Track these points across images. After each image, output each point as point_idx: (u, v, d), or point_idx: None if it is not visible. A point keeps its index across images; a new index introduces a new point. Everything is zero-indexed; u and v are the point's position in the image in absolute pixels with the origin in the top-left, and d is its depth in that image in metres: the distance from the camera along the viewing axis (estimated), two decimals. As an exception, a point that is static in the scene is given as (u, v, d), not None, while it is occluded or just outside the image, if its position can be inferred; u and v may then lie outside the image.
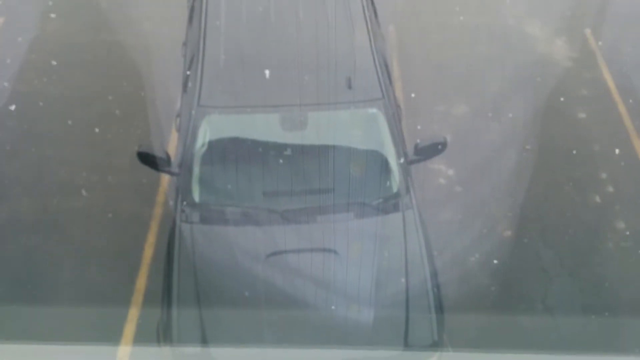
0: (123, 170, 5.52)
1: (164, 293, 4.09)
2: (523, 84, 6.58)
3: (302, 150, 4.53)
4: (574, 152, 6.04)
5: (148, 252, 5.07)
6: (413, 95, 6.29)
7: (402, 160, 4.52)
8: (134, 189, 5.45)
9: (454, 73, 6.65)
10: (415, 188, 4.58)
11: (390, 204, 4.42)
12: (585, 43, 7.23)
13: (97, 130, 5.94)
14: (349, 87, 4.58)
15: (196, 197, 4.37)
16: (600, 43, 7.17)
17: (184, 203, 4.33)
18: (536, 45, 7.14)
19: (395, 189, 4.47)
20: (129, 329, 4.63)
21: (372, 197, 4.42)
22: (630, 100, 6.50)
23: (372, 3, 5.50)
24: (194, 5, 5.39)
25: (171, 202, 4.58)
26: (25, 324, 4.49)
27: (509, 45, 7.03)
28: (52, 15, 7.22)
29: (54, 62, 6.61)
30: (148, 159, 4.45)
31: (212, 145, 4.46)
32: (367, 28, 4.98)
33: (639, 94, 6.58)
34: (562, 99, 6.52)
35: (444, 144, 4.67)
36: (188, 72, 4.91)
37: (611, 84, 6.71)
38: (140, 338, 4.56)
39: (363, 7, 5.15)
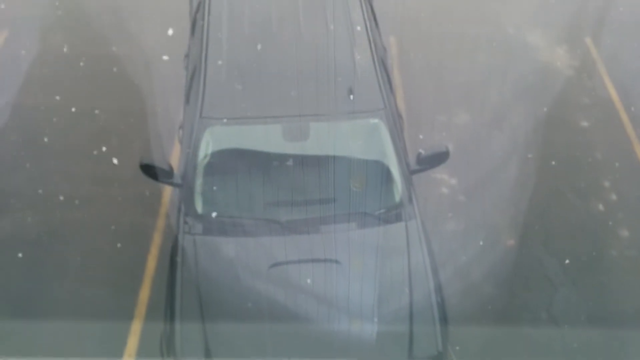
0: (126, 182, 5.51)
1: (167, 305, 4.06)
2: (524, 92, 6.55)
3: (304, 161, 4.51)
4: (577, 160, 6.01)
5: (151, 263, 5.04)
6: (414, 104, 6.29)
7: (404, 170, 4.50)
8: (137, 201, 5.44)
9: (456, 82, 6.64)
10: (418, 198, 4.56)
11: (393, 214, 4.39)
12: (586, 51, 7.22)
13: (100, 142, 5.94)
14: (351, 97, 4.57)
15: (199, 208, 4.35)
16: (600, 51, 7.17)
17: (187, 214, 4.31)
18: (537, 54, 7.13)
19: (397, 199, 4.45)
20: (132, 341, 4.60)
21: (375, 207, 4.39)
22: (632, 108, 6.48)
23: (373, 13, 5.51)
24: (196, 18, 5.40)
25: (174, 214, 4.56)
26: (27, 338, 4.46)
27: (510, 54, 7.02)
28: (55, 29, 7.25)
29: (57, 76, 6.63)
30: (151, 171, 4.44)
31: (215, 157, 4.45)
32: (369, 38, 4.98)
33: (640, 101, 6.57)
34: (563, 107, 6.51)
35: (446, 154, 4.65)
36: (190, 84, 4.91)
37: (612, 92, 6.70)
38: (143, 351, 4.52)
39: (364, 17, 5.15)
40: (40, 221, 5.34)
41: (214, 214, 4.32)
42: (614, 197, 5.71)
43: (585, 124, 6.38)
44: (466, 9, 7.67)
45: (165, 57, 6.43)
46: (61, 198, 5.48)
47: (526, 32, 7.36)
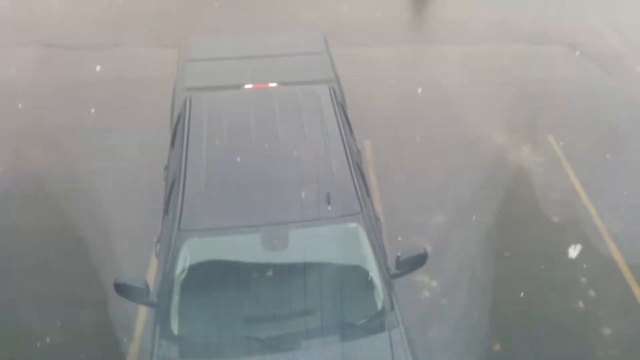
0: (99, 303, 5.14)
1: None
2: (496, 190, 6.61)
3: (284, 272, 4.33)
4: (551, 256, 5.92)
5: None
6: (391, 206, 6.26)
7: (384, 275, 4.36)
8: (110, 324, 5.05)
9: (429, 183, 6.65)
10: (400, 303, 4.38)
11: (375, 322, 4.19)
12: (550, 148, 7.41)
13: (73, 261, 5.63)
14: (328, 203, 4.50)
15: (175, 329, 4.06)
16: (563, 148, 7.36)
17: (162, 337, 4.02)
18: (504, 153, 7.28)
19: (380, 306, 4.26)
20: None
21: (357, 316, 4.19)
22: (599, 202, 6.55)
23: (347, 119, 5.59)
24: (177, 130, 5.40)
25: (149, 337, 4.26)
26: None
27: (479, 153, 7.14)
28: (30, 144, 7.07)
29: (32, 192, 6.41)
30: (126, 291, 4.19)
31: (193, 272, 4.23)
32: (344, 144, 4.99)
33: (606, 194, 6.63)
34: (533, 203, 6.52)
35: (424, 255, 4.53)
36: (169, 196, 4.80)
37: (578, 187, 6.79)
38: None
39: (338, 124, 5.19)
40: (9, 350, 4.92)
41: (191, 335, 4.06)
42: (592, 293, 5.62)
43: (556, 219, 6.39)
44: (435, 113, 7.87)
45: (145, 170, 6.32)
46: (31, 321, 5.11)
47: (492, 132, 7.55)
